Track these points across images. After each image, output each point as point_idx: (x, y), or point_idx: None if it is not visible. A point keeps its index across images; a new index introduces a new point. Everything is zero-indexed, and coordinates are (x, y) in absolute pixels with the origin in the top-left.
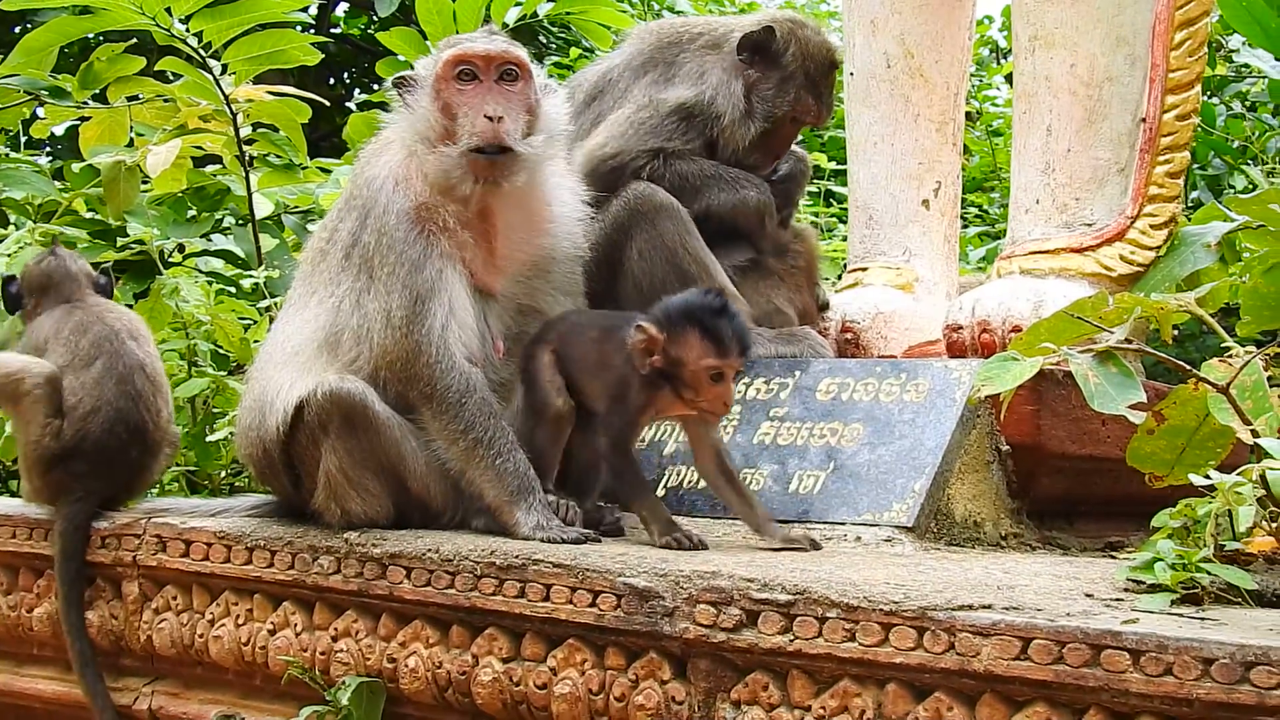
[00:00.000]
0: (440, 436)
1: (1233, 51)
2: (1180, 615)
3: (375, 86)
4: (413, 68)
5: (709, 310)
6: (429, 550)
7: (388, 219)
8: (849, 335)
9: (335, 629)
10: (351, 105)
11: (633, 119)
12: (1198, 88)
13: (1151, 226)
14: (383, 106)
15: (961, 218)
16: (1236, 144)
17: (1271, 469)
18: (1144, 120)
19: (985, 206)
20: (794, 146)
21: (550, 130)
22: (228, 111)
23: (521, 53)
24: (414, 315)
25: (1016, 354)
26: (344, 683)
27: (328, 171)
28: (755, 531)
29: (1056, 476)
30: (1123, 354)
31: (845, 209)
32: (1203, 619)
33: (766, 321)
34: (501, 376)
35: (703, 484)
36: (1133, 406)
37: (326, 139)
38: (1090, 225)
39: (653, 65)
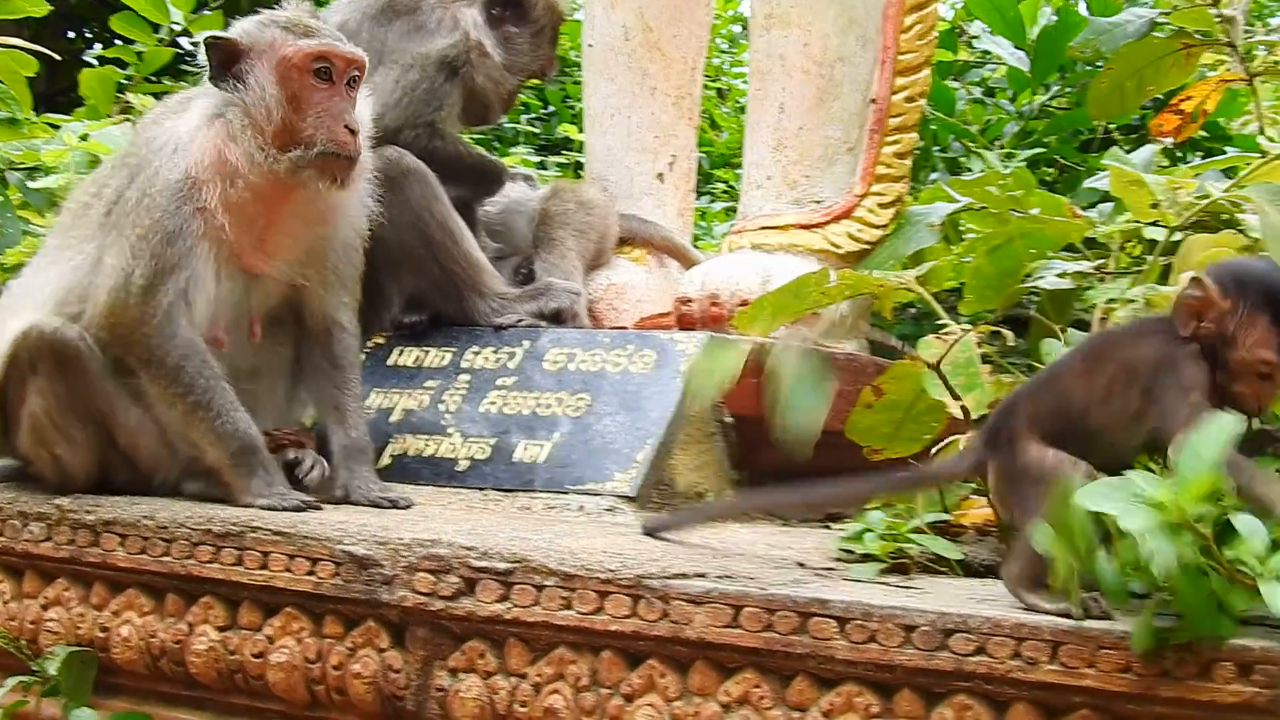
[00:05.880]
0: (160, 400)
1: (974, 38)
2: (887, 584)
3: (116, 41)
4: (217, 34)
5: None
6: (144, 517)
7: (155, 182)
8: None
9: (45, 597)
10: (90, 59)
11: (403, 83)
12: (927, 71)
13: (879, 205)
14: (118, 62)
15: (710, 194)
16: (975, 128)
17: None
18: (874, 101)
19: (733, 183)
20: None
21: (366, 132)
22: None
23: (365, 58)
24: (151, 286)
25: (729, 336)
26: (52, 652)
27: (56, 127)
28: None
29: (778, 448)
30: (837, 340)
31: None
32: (908, 588)
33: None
34: (254, 363)
35: (429, 451)
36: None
37: (64, 93)
38: (819, 203)
39: (394, 13)
